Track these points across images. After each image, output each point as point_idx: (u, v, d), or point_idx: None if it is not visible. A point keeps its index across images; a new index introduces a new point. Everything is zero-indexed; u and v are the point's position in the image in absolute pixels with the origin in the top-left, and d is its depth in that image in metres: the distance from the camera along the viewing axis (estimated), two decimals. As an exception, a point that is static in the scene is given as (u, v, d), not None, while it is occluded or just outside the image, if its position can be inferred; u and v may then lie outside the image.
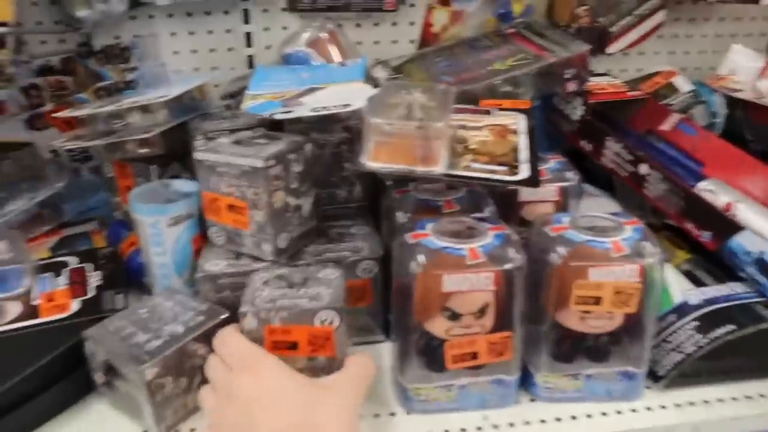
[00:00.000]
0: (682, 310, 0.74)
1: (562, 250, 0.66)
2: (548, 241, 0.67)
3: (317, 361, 0.63)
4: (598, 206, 0.97)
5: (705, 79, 1.13)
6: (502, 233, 0.67)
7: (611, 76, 1.06)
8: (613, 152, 0.93)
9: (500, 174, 0.70)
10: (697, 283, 0.80)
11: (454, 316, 0.65)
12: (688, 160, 0.89)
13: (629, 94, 0.98)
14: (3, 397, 0.64)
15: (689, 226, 0.82)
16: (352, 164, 0.72)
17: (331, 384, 0.61)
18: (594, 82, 1.01)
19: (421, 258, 0.64)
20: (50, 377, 0.68)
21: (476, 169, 0.71)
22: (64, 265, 0.84)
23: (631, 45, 1.16)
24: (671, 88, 1.12)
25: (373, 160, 0.72)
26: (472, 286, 0.63)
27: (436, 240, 0.66)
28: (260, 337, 0.62)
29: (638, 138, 0.92)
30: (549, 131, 1.07)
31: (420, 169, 0.70)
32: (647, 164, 0.87)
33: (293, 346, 0.63)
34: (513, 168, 0.71)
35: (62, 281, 0.80)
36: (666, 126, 0.94)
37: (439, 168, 0.70)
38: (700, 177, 0.82)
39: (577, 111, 0.99)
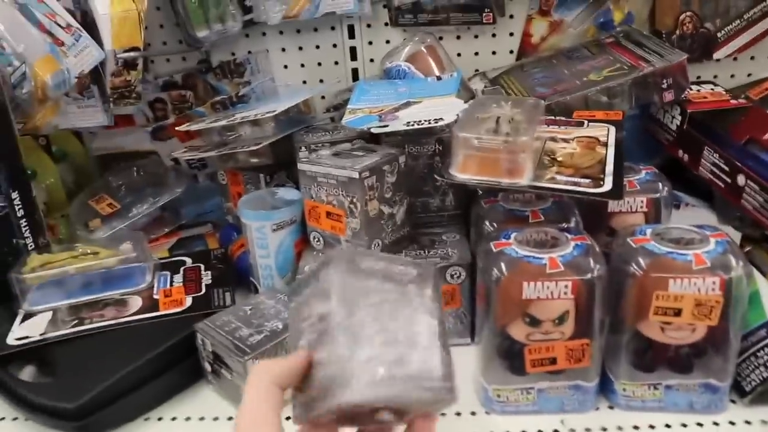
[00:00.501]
0: (774, 325, 0.73)
1: (642, 261, 0.67)
2: (630, 252, 0.69)
3: None
4: (694, 217, 0.97)
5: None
6: (583, 243, 0.69)
7: (714, 83, 1.04)
8: (710, 162, 0.92)
9: (583, 186, 0.72)
10: (794, 297, 0.79)
11: (534, 322, 0.68)
12: (792, 170, 0.87)
13: (731, 102, 0.97)
14: (125, 380, 0.73)
15: (787, 239, 0.81)
16: (441, 175, 0.76)
17: None
18: (695, 91, 1.00)
19: (502, 266, 0.67)
20: (165, 364, 0.77)
21: (560, 182, 0.73)
22: (181, 264, 0.93)
23: (740, 50, 1.13)
24: (782, 94, 1.08)
25: (461, 172, 0.76)
26: (550, 293, 0.66)
27: (518, 249, 0.69)
28: None
29: (738, 148, 0.91)
30: (647, 141, 1.07)
31: (505, 181, 0.74)
32: (744, 175, 0.86)
33: None
34: (597, 180, 0.73)
35: (178, 279, 0.89)
36: (769, 135, 0.92)
37: (523, 180, 0.73)
38: (803, 188, 0.81)
39: (674, 120, 0.98)
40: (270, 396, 0.45)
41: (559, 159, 0.78)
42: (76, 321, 0.83)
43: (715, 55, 1.12)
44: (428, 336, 0.47)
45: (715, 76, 1.17)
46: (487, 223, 0.80)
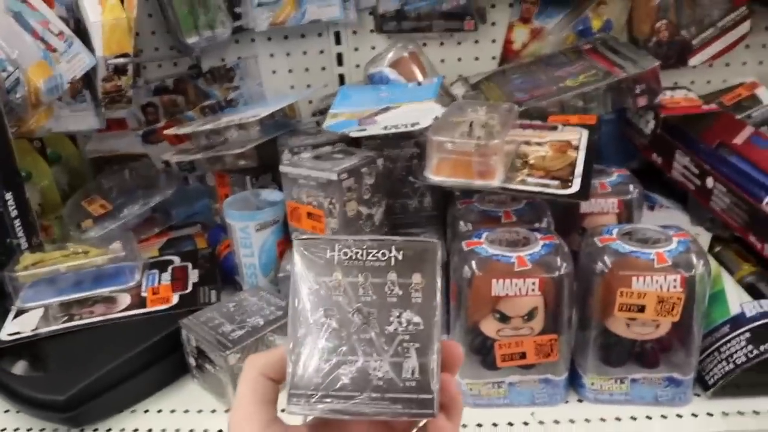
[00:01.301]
0: (737, 321, 0.75)
1: (607, 259, 0.70)
2: (596, 251, 0.71)
3: None
4: (668, 218, 0.99)
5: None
6: (551, 243, 0.72)
7: (687, 89, 1.08)
8: (681, 165, 0.95)
9: (552, 188, 0.75)
10: (759, 296, 0.82)
11: (504, 318, 0.71)
12: (759, 173, 0.90)
13: (703, 107, 1.00)
14: (113, 373, 0.76)
15: (753, 240, 0.84)
16: (416, 177, 0.79)
17: None
18: (668, 96, 1.03)
19: (473, 264, 0.70)
20: (152, 359, 0.80)
21: (530, 183, 0.76)
22: (170, 263, 0.96)
23: (715, 56, 1.17)
24: (754, 100, 1.11)
25: (435, 174, 0.79)
26: (519, 290, 0.69)
27: (489, 248, 0.71)
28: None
29: (708, 151, 0.94)
30: (624, 144, 1.10)
31: (477, 182, 0.77)
32: (713, 178, 0.89)
33: None
34: (566, 182, 0.76)
35: (166, 277, 0.92)
36: (738, 139, 0.95)
37: (495, 182, 0.76)
38: (769, 190, 0.83)
39: (648, 125, 1.01)
40: (259, 387, 0.44)
41: (531, 162, 0.81)
42: (66, 317, 0.85)
43: (691, 62, 1.16)
44: (403, 338, 0.43)
45: (692, 82, 1.20)
46: (462, 223, 0.83)
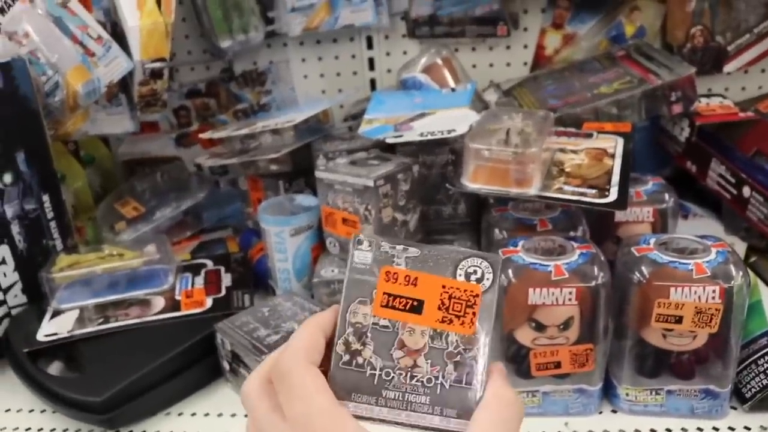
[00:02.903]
0: (775, 333, 0.75)
1: (645, 269, 0.70)
2: (633, 261, 0.71)
3: (443, 341, 0.44)
4: (702, 227, 0.99)
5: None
6: (588, 252, 0.72)
7: (723, 96, 1.07)
8: (717, 174, 0.94)
9: (589, 196, 0.75)
10: (796, 307, 0.81)
11: (539, 327, 0.71)
12: (797, 182, 0.89)
13: (739, 115, 0.99)
14: (148, 376, 0.77)
15: (790, 250, 0.83)
16: (453, 185, 0.79)
17: None
18: (704, 103, 1.02)
19: (510, 272, 0.70)
20: (186, 362, 0.81)
21: (567, 192, 0.76)
22: (203, 266, 0.97)
23: (750, 63, 1.15)
24: (791, 108, 1.10)
25: (472, 182, 0.79)
26: (555, 300, 0.69)
27: (525, 256, 0.71)
28: (369, 283, 0.45)
29: (745, 160, 0.93)
30: (657, 152, 1.09)
31: (514, 190, 0.77)
32: (750, 187, 0.88)
33: (417, 308, 0.44)
34: (603, 191, 0.76)
35: (200, 281, 0.93)
36: (776, 148, 0.95)
37: (532, 190, 0.76)
38: (808, 200, 0.83)
39: (683, 132, 1.00)
40: (315, 342, 0.43)
41: (567, 170, 0.80)
42: (101, 319, 0.87)
43: (726, 68, 1.14)
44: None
45: (726, 89, 1.19)
46: (497, 230, 0.83)
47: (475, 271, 0.43)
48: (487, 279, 0.43)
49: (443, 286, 0.42)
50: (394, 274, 0.43)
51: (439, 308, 0.42)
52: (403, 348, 0.43)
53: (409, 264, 0.43)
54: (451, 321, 0.42)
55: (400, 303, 0.43)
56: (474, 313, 0.42)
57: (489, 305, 0.43)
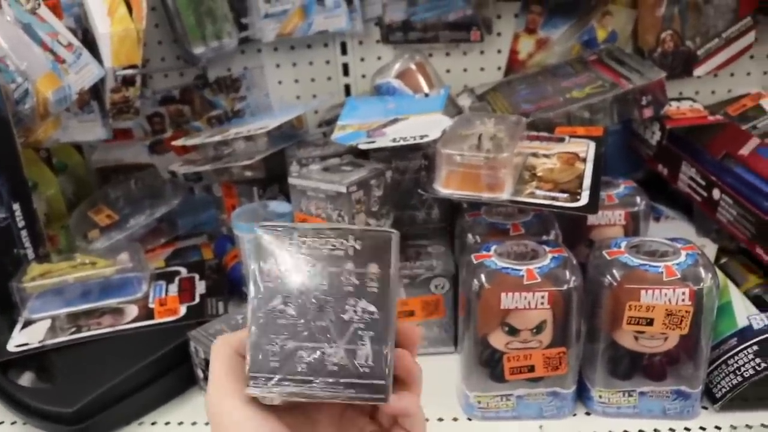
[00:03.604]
0: (744, 334, 0.75)
1: (616, 272, 0.70)
2: (604, 264, 0.72)
3: None
4: (673, 229, 1.00)
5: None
6: (560, 255, 0.72)
7: (693, 100, 1.08)
8: (687, 177, 0.95)
9: (561, 201, 0.76)
10: (766, 308, 0.81)
11: (513, 331, 0.71)
12: (765, 184, 0.90)
13: (709, 118, 1.00)
14: (121, 385, 0.76)
15: (760, 251, 0.84)
16: (425, 190, 0.79)
17: None
18: (674, 107, 1.04)
19: (482, 277, 0.70)
20: (160, 371, 0.80)
21: (539, 196, 0.77)
22: (176, 274, 0.96)
23: (719, 67, 1.17)
24: (759, 110, 1.12)
25: (444, 187, 0.79)
26: (528, 304, 0.69)
27: (498, 261, 0.72)
28: None
29: (714, 163, 0.94)
30: (629, 155, 1.10)
31: (486, 195, 0.77)
32: (719, 189, 0.89)
33: None
34: (574, 195, 0.76)
35: (173, 289, 0.92)
36: (745, 150, 0.95)
37: (504, 195, 0.77)
38: (776, 202, 0.84)
39: (654, 136, 1.02)
40: (235, 364, 0.45)
41: (539, 174, 0.81)
42: (74, 329, 0.85)
43: (696, 72, 1.16)
44: (358, 327, 0.44)
45: (697, 93, 1.20)
46: (470, 235, 0.83)
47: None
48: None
49: None
50: None
51: None
52: None
53: None
54: None
55: None
56: None
57: None
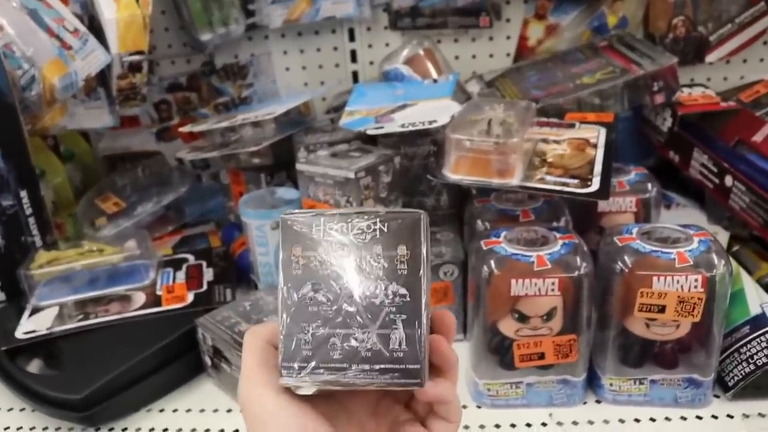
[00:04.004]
0: (757, 322, 0.74)
1: (627, 259, 0.69)
2: (616, 251, 0.71)
3: None
4: (685, 217, 0.99)
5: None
6: (570, 242, 0.71)
7: (705, 86, 1.06)
8: (699, 164, 0.94)
9: (571, 186, 0.75)
10: (779, 295, 0.81)
11: (522, 318, 0.70)
12: (779, 171, 0.89)
13: (721, 105, 0.99)
14: (129, 372, 0.76)
15: (773, 239, 0.83)
16: (434, 176, 0.78)
17: None
18: (686, 93, 1.02)
19: (492, 263, 0.70)
20: (167, 358, 0.80)
21: (549, 182, 0.76)
22: (184, 261, 0.96)
23: (732, 53, 1.15)
24: (773, 97, 1.10)
25: (453, 173, 0.78)
26: (538, 290, 0.68)
27: (508, 247, 0.71)
28: None
29: (727, 149, 0.93)
30: (640, 142, 1.09)
31: (496, 181, 0.76)
32: (732, 176, 0.88)
33: None
34: (585, 180, 0.76)
35: (181, 276, 0.92)
36: (758, 137, 0.94)
37: (513, 180, 0.76)
38: (789, 188, 0.83)
39: (666, 122, 1.00)
40: (267, 355, 0.45)
41: (549, 160, 0.80)
42: (81, 316, 0.85)
43: (708, 58, 1.14)
44: (389, 310, 0.43)
45: (709, 79, 1.19)
46: (480, 222, 0.82)
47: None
48: None
49: None
50: None
51: None
52: None
53: None
54: None
55: None
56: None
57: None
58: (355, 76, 1.21)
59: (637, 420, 0.72)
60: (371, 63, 1.19)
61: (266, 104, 1.10)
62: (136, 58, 0.96)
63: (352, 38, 1.19)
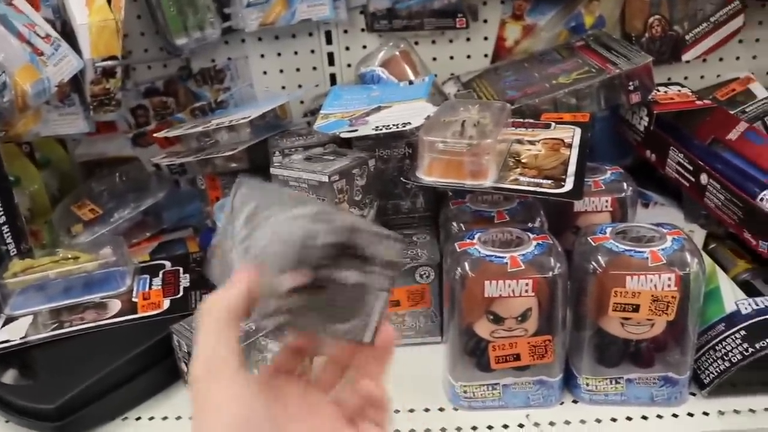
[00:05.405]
0: (732, 319, 0.74)
1: (601, 259, 0.69)
2: (589, 251, 0.71)
3: None
4: (662, 215, 0.99)
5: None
6: (544, 242, 0.71)
7: (681, 85, 1.07)
8: (675, 162, 0.94)
9: (545, 187, 0.75)
10: (755, 293, 0.81)
11: (497, 320, 0.70)
12: (753, 169, 0.90)
13: (696, 103, 0.99)
14: (104, 381, 0.75)
15: (747, 236, 0.83)
16: (408, 178, 0.78)
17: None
18: (662, 92, 1.03)
19: (466, 265, 0.69)
20: (143, 365, 0.79)
21: (523, 183, 0.76)
22: (161, 267, 0.95)
23: (708, 51, 1.16)
24: (748, 95, 1.11)
25: (427, 175, 0.78)
26: (512, 291, 0.68)
27: (481, 249, 0.71)
28: None
29: (702, 148, 0.93)
30: (618, 141, 1.09)
31: (469, 183, 0.76)
32: (707, 174, 0.88)
33: None
34: (559, 181, 0.75)
35: (157, 282, 0.91)
36: (733, 135, 0.95)
37: (487, 182, 0.76)
38: (764, 186, 0.82)
39: (642, 121, 1.01)
40: (230, 334, 0.43)
41: (524, 161, 0.80)
42: (56, 324, 0.84)
43: (684, 57, 1.15)
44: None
45: (686, 78, 1.19)
46: (455, 224, 0.82)
47: None
48: None
49: None
50: None
51: None
52: None
53: None
54: None
55: None
56: None
57: None
58: (332, 79, 1.20)
59: (613, 419, 0.72)
60: (349, 65, 1.19)
61: (243, 108, 1.10)
62: (110, 63, 0.96)
63: (329, 41, 1.18)
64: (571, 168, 0.78)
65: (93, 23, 0.92)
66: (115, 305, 0.88)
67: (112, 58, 0.95)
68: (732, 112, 1.04)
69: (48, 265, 0.92)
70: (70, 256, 0.94)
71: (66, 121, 1.06)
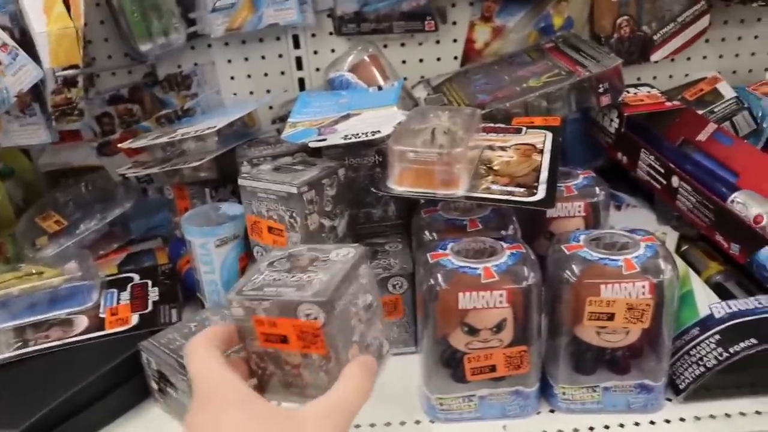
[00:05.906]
0: (706, 323, 0.75)
1: (575, 268, 0.69)
2: (564, 259, 0.70)
3: (311, 358, 0.53)
4: (635, 218, 0.99)
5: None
6: (518, 252, 0.70)
7: (650, 86, 1.07)
8: (646, 164, 0.94)
9: (517, 195, 0.74)
10: (727, 295, 0.81)
11: (472, 331, 0.69)
12: (723, 170, 0.90)
13: (666, 104, 0.99)
14: (70, 401, 0.73)
15: (719, 239, 0.83)
16: (378, 188, 0.77)
17: (303, 421, 0.47)
18: (631, 94, 1.02)
19: (439, 277, 0.68)
20: (112, 384, 0.77)
21: (495, 191, 0.75)
22: (129, 281, 0.93)
23: (676, 51, 1.17)
24: (716, 94, 1.11)
25: (398, 184, 0.77)
26: (486, 303, 0.67)
27: (454, 260, 0.70)
28: (250, 328, 0.53)
29: (672, 149, 0.93)
30: (590, 144, 1.09)
31: (441, 192, 0.75)
32: (678, 176, 0.88)
33: (284, 339, 0.53)
34: (531, 189, 0.75)
35: (125, 296, 0.89)
36: (702, 136, 0.95)
37: (459, 191, 0.75)
38: (734, 188, 0.83)
39: (613, 123, 1.00)
40: (221, 359, 0.50)
41: (495, 168, 0.79)
42: (20, 343, 0.82)
43: (653, 57, 1.15)
44: None
45: (654, 77, 1.20)
46: (427, 233, 0.81)
47: (309, 314, 0.50)
48: (321, 317, 0.50)
49: (293, 326, 0.51)
50: (260, 320, 0.52)
51: (298, 338, 0.52)
52: (287, 364, 0.54)
53: (267, 312, 0.51)
54: (308, 346, 0.52)
55: (272, 338, 0.53)
56: (322, 340, 0.51)
57: (332, 332, 0.51)
58: (301, 84, 1.19)
59: (591, 428, 0.72)
60: (317, 70, 1.17)
61: (210, 115, 1.08)
62: (71, 72, 0.93)
63: (297, 45, 1.16)
64: (543, 175, 0.77)
65: (52, 31, 0.90)
66: (82, 322, 0.85)
67: (74, 67, 0.93)
68: (701, 113, 1.04)
69: (11, 281, 0.89)
70: (34, 271, 0.92)
71: (27, 131, 1.03)
